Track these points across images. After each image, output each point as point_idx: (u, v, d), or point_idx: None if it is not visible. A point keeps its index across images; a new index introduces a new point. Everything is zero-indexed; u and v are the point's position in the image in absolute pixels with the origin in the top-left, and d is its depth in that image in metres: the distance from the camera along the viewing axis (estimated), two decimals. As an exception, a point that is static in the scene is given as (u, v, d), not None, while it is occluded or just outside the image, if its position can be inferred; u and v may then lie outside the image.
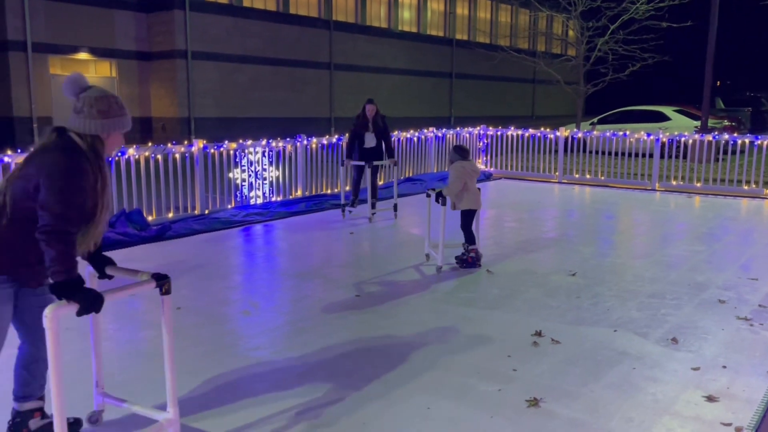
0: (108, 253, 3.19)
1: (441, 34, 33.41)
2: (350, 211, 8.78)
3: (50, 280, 2.56)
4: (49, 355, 2.47)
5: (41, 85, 20.51)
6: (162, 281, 2.79)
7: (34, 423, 2.97)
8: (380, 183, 11.38)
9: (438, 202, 6.02)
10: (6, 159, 6.85)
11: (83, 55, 21.41)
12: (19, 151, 7.21)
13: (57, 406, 2.51)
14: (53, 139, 2.64)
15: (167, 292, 2.81)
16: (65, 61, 21.19)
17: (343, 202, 8.86)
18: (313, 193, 10.25)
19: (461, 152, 6.21)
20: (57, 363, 2.47)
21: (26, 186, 2.54)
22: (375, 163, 8.59)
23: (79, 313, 2.50)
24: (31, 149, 2.69)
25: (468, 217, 6.10)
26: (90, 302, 2.50)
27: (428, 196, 6.30)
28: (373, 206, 8.58)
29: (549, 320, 4.66)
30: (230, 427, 3.16)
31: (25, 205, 2.55)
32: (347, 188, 9.28)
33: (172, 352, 2.89)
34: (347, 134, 8.91)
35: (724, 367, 3.88)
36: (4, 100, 20.09)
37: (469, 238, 6.12)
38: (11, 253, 2.63)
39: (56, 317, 2.42)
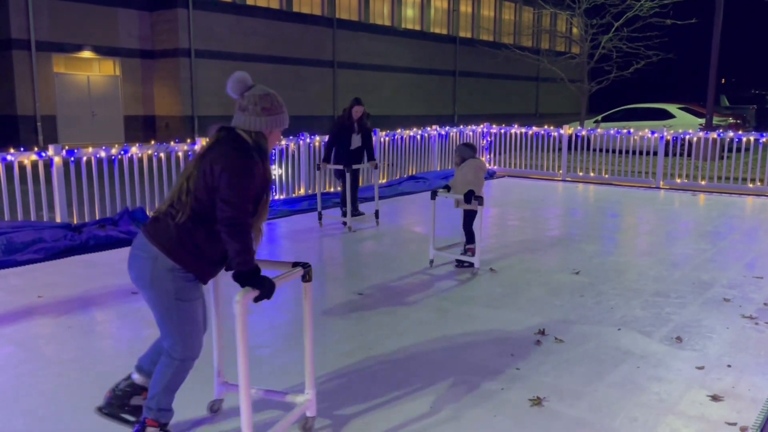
0: (111, 252, 3.17)
1: (444, 31, 33.36)
2: (345, 224, 7.91)
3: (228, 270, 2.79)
4: (238, 338, 2.61)
5: (45, 84, 20.54)
6: (307, 269, 2.95)
7: (136, 400, 2.97)
8: (383, 181, 11.41)
9: (473, 203, 5.76)
10: (9, 157, 6.86)
11: (87, 54, 21.45)
12: (22, 149, 7.21)
13: (243, 383, 2.67)
14: (222, 136, 2.77)
15: (309, 279, 2.97)
16: (69, 59, 21.23)
17: (319, 209, 8.18)
18: (316, 191, 10.21)
19: (473, 150, 6.19)
20: (244, 345, 2.64)
21: (205, 183, 2.67)
22: (355, 167, 7.98)
23: (257, 299, 2.66)
24: (202, 147, 2.80)
25: (472, 216, 6.07)
26: (269, 289, 2.68)
27: (434, 198, 6.05)
28: (356, 212, 8.15)
29: (552, 319, 4.64)
30: (230, 428, 3.15)
31: (205, 202, 2.68)
32: (331, 192, 8.79)
33: (312, 336, 3.08)
34: (328, 136, 8.21)
35: (729, 366, 3.86)
36: (8, 98, 20.13)
37: (472, 238, 6.09)
38: (197, 253, 2.72)
39: (245, 303, 2.58)
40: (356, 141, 8.09)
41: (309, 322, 3.04)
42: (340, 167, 7.89)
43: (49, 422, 3.19)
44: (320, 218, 8.17)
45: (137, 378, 2.98)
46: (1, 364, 3.85)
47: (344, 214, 7.99)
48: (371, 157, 8.17)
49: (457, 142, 13.07)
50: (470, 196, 5.75)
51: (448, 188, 6.07)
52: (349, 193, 7.81)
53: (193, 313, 2.80)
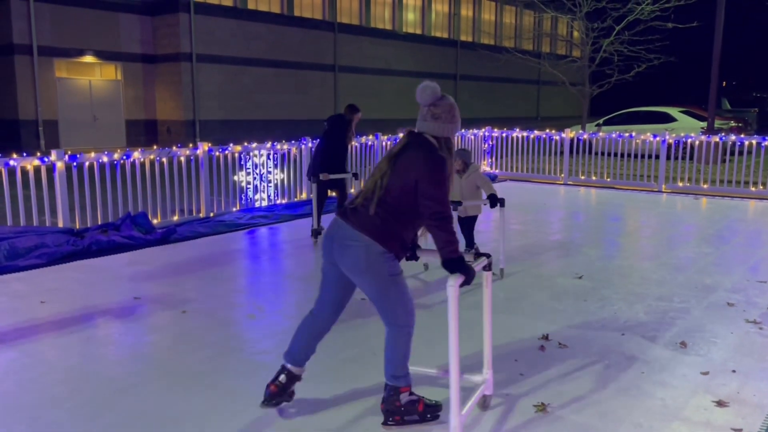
0: (113, 257, 3.19)
1: (445, 35, 33.40)
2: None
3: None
4: (450, 320, 2.89)
5: (47, 89, 20.58)
6: (489, 258, 3.20)
7: (293, 387, 3.35)
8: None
9: (499, 206, 5.64)
10: (12, 162, 6.86)
11: (89, 59, 21.49)
12: (24, 154, 7.22)
13: (454, 365, 2.90)
14: (413, 141, 3.09)
15: (489, 268, 3.21)
16: (71, 64, 21.28)
17: (316, 225, 7.39)
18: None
19: (470, 155, 6.23)
20: (455, 327, 2.89)
21: (404, 182, 2.98)
22: (334, 176, 7.39)
23: (463, 284, 2.89)
24: (393, 148, 3.11)
25: (474, 221, 6.12)
26: (471, 275, 2.94)
27: None
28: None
29: (556, 324, 4.63)
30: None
31: (403, 199, 2.99)
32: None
33: (491, 322, 3.36)
34: (339, 142, 7.47)
35: (734, 371, 3.84)
36: (10, 103, 20.17)
37: (472, 243, 6.13)
38: (397, 239, 3.05)
39: (457, 287, 2.86)
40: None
41: (488, 308, 3.29)
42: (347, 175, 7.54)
43: (53, 428, 3.18)
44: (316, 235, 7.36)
45: (293, 368, 3.30)
46: (4, 370, 3.85)
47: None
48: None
49: (458, 146, 13.08)
50: (496, 200, 5.61)
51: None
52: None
53: (405, 285, 3.14)
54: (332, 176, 7.26)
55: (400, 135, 3.22)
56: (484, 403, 3.36)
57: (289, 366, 3.29)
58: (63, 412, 3.34)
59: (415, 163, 2.97)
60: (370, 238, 2.99)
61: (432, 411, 3.20)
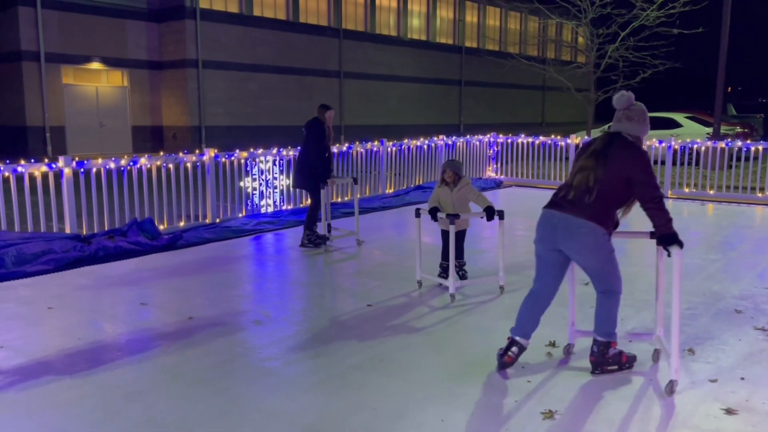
0: (120, 263, 3.19)
1: (450, 41, 33.46)
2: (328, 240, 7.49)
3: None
4: (674, 289, 3.52)
5: (54, 95, 20.70)
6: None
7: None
8: (390, 191, 11.42)
9: (498, 218, 5.40)
10: (19, 169, 6.90)
11: (95, 65, 21.62)
12: (32, 160, 7.25)
13: (675, 333, 3.55)
14: (615, 141, 3.72)
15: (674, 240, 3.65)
16: (78, 70, 21.40)
17: (326, 233, 7.51)
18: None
19: (461, 166, 5.96)
20: (678, 295, 3.52)
21: (616, 176, 3.62)
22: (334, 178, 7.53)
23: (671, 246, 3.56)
24: (596, 146, 3.75)
25: (462, 236, 5.93)
26: (682, 245, 3.57)
27: (418, 215, 5.66)
28: (329, 228, 7.63)
29: (563, 330, 4.61)
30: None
31: (614, 189, 3.64)
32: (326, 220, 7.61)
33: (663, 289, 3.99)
34: (316, 145, 7.30)
35: (743, 378, 3.82)
36: (18, 109, 20.29)
37: (462, 255, 6.01)
38: (611, 221, 3.71)
39: (681, 255, 3.51)
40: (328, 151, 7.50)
41: (671, 279, 3.69)
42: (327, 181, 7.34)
43: (60, 435, 3.18)
44: (325, 244, 7.47)
45: (521, 340, 3.92)
46: (12, 376, 3.86)
47: (329, 231, 7.54)
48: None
49: (464, 152, 13.08)
50: (493, 213, 5.34)
51: (435, 210, 5.46)
52: (325, 208, 7.38)
53: (616, 258, 3.79)
54: (339, 180, 7.44)
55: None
56: (670, 389, 3.64)
57: (518, 339, 3.92)
58: (70, 418, 3.35)
59: (628, 161, 3.62)
60: (595, 224, 3.62)
61: (631, 361, 3.95)
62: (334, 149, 10.40)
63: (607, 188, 3.63)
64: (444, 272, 5.86)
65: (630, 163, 3.62)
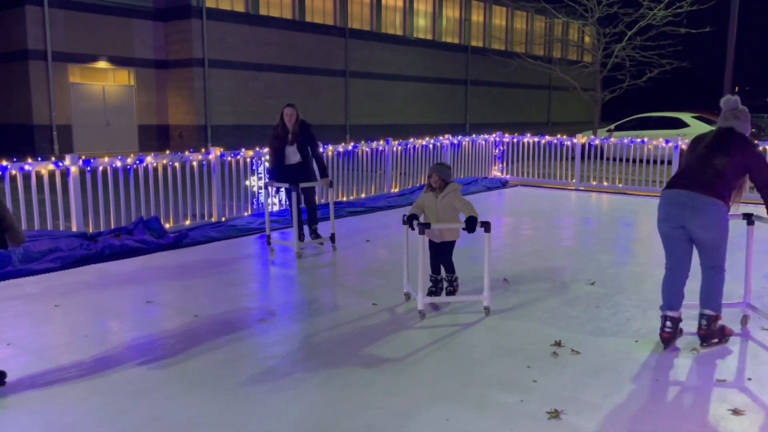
0: (126, 261, 3.20)
1: (456, 41, 33.43)
2: (303, 249, 7.10)
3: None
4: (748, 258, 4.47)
5: (61, 94, 20.79)
6: None
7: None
8: (395, 190, 11.40)
9: (484, 230, 4.88)
10: (26, 167, 6.93)
11: (102, 64, 21.70)
12: (39, 159, 7.28)
13: None
14: (730, 135, 4.26)
15: None
16: (84, 69, 21.48)
17: (268, 231, 7.35)
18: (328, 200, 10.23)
19: (450, 170, 5.38)
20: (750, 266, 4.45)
21: (735, 163, 4.15)
22: (302, 185, 6.99)
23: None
24: (711, 138, 4.33)
25: (450, 248, 5.37)
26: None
27: (405, 223, 5.09)
28: (315, 233, 7.43)
29: (568, 330, 4.60)
30: None
31: (733, 174, 4.16)
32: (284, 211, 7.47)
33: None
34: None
35: (750, 379, 3.80)
36: (25, 108, 20.39)
37: (453, 268, 5.42)
38: (729, 200, 4.21)
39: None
40: (292, 153, 7.13)
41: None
42: (285, 185, 7.06)
43: (67, 431, 3.20)
44: (269, 241, 7.31)
45: (671, 313, 4.28)
46: (19, 373, 3.87)
47: (300, 238, 7.18)
48: (324, 173, 7.30)
49: (469, 152, 13.07)
50: (474, 224, 4.76)
51: (413, 217, 5.03)
52: (296, 217, 7.00)
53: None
54: (275, 184, 7.24)
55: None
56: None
57: (669, 313, 4.26)
58: (77, 415, 3.36)
59: (746, 151, 4.18)
60: (722, 202, 4.12)
61: (730, 333, 4.38)
62: (339, 148, 10.41)
63: (729, 173, 4.16)
64: (434, 285, 5.38)
65: (749, 154, 4.18)
